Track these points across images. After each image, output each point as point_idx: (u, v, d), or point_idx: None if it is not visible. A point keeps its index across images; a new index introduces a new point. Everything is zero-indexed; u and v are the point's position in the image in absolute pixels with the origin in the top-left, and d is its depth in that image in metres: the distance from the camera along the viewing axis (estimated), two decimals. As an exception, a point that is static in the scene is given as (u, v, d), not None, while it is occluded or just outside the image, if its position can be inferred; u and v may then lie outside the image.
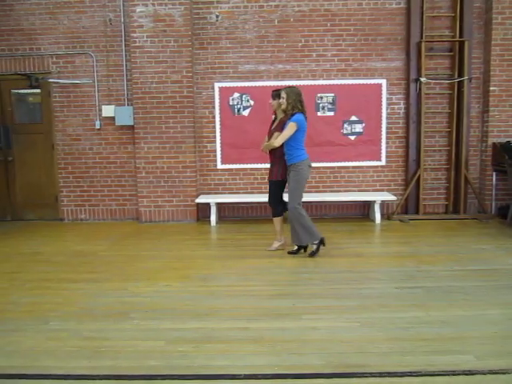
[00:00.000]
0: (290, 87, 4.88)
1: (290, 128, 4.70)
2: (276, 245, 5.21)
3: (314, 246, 4.89)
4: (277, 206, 5.09)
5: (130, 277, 4.34)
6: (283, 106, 4.79)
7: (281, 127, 4.86)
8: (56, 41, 7.06)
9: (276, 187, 5.05)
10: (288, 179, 4.90)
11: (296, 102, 4.72)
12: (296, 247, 5.02)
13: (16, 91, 7.35)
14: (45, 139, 7.32)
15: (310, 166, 4.93)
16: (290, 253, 5.03)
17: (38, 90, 7.18)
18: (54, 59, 7.09)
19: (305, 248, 5.03)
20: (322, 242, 4.92)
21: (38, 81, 6.97)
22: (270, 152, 5.01)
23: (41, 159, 7.35)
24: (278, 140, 4.75)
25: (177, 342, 2.90)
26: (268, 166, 7.06)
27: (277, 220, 5.13)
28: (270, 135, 5.00)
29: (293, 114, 4.74)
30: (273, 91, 5.03)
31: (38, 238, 6.23)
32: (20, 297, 3.86)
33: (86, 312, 3.47)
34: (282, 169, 4.95)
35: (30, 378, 2.51)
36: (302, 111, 4.77)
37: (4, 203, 7.50)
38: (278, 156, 4.96)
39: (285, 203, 5.02)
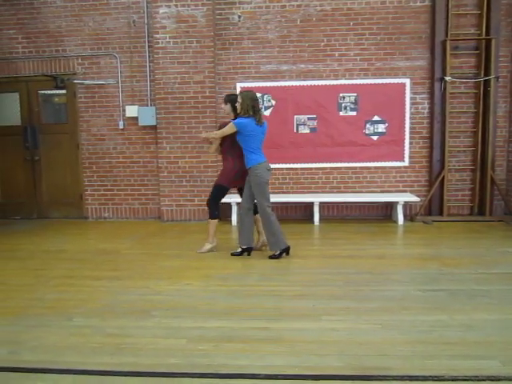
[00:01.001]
0: (246, 91, 4.85)
1: (228, 127, 4.76)
2: (208, 247, 5.20)
3: (278, 252, 4.87)
4: (214, 208, 5.09)
5: (151, 275, 4.39)
6: (238, 110, 4.78)
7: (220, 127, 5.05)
8: (81, 42, 7.20)
9: (216, 190, 5.05)
10: (250, 185, 4.86)
11: (249, 107, 4.66)
12: (240, 249, 5.04)
13: (42, 92, 7.53)
14: (70, 139, 7.47)
15: (268, 170, 4.86)
16: (232, 254, 5.04)
17: (64, 91, 7.35)
18: (80, 60, 7.24)
19: (249, 252, 5.02)
20: (286, 251, 4.89)
21: (63, 82, 7.13)
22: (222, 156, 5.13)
23: (66, 159, 7.51)
24: (214, 133, 5.03)
25: (197, 341, 2.91)
26: (288, 165, 7.17)
27: (212, 222, 5.12)
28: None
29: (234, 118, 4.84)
30: (225, 95, 5.06)
31: (62, 235, 6.36)
32: (45, 293, 3.94)
33: (108, 309, 3.53)
34: (227, 175, 4.99)
35: (54, 373, 2.56)
36: (254, 116, 4.69)
37: (31, 201, 7.68)
38: (225, 161, 5.07)
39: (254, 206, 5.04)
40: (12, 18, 7.25)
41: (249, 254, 5.01)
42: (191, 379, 2.47)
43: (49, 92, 7.53)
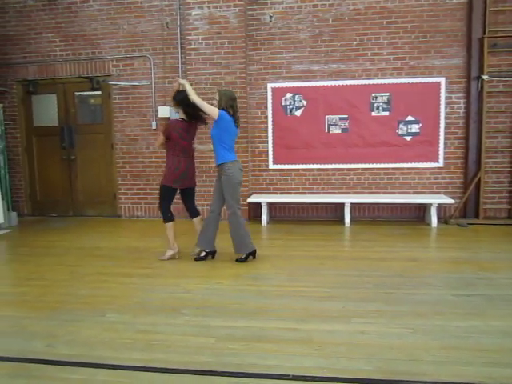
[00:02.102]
0: (225, 90, 4.75)
1: (213, 108, 4.51)
2: (169, 253, 4.97)
3: (244, 255, 4.79)
4: (164, 211, 4.89)
5: (182, 273, 4.45)
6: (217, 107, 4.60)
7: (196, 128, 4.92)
8: (116, 45, 7.36)
9: (161, 191, 4.88)
10: (221, 184, 4.73)
11: (227, 106, 4.52)
12: (244, 255, 4.82)
13: (79, 93, 7.74)
14: (105, 139, 7.66)
15: (241, 170, 4.75)
16: (238, 260, 4.81)
17: (99, 92, 7.54)
18: (115, 62, 7.41)
19: (213, 255, 4.95)
20: (253, 254, 4.82)
21: (99, 83, 7.33)
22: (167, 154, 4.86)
23: (101, 158, 7.69)
24: (195, 98, 4.50)
25: (227, 340, 2.93)
26: (319, 166, 7.12)
27: (168, 227, 4.91)
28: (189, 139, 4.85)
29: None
30: (177, 92, 4.75)
31: (96, 233, 6.52)
32: (79, 289, 4.06)
33: (139, 306, 3.60)
34: (170, 175, 4.79)
35: (87, 367, 2.64)
36: (233, 116, 4.57)
37: (67, 200, 7.92)
38: (168, 160, 4.84)
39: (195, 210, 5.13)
40: (51, 21, 7.50)
41: (213, 257, 4.96)
42: (220, 378, 2.49)
43: (85, 93, 7.75)
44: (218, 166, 4.72)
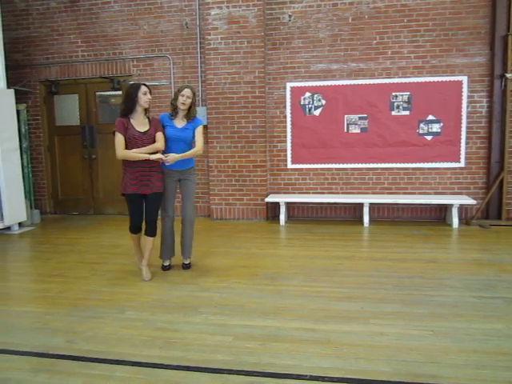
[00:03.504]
0: (189, 85, 4.36)
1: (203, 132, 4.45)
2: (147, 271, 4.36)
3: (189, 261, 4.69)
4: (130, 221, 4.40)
5: (200, 272, 4.48)
6: (185, 106, 4.24)
7: (156, 128, 4.20)
8: (137, 45, 7.45)
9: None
10: (186, 184, 4.49)
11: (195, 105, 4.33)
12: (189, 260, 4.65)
13: (100, 93, 7.85)
14: (125, 138, 7.73)
15: None
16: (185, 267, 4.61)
17: (120, 92, 7.63)
18: (135, 62, 7.49)
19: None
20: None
21: (119, 83, 7.42)
22: (133, 161, 4.16)
23: (121, 157, 7.77)
24: (202, 146, 4.40)
25: (244, 339, 2.95)
26: (338, 165, 7.06)
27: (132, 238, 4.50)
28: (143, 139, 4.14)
29: (195, 117, 4.37)
30: (145, 84, 4.18)
31: (117, 231, 6.61)
32: (100, 286, 4.12)
33: (158, 304, 3.63)
34: (125, 181, 4.26)
35: (107, 363, 2.68)
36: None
37: (88, 198, 8.05)
38: (124, 165, 4.27)
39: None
40: (72, 23, 7.62)
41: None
42: (237, 376, 2.50)
43: (106, 93, 7.86)
44: (185, 169, 4.41)
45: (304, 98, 7.02)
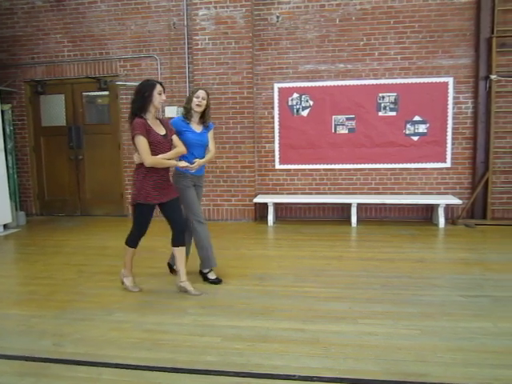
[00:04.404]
0: (203, 87, 4.20)
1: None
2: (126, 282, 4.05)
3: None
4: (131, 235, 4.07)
5: (188, 273, 4.43)
6: (200, 108, 4.02)
7: (171, 131, 3.86)
8: (124, 45, 7.40)
9: (134, 211, 3.93)
10: (200, 190, 4.28)
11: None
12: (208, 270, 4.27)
13: (86, 94, 7.79)
14: (112, 139, 7.69)
15: None
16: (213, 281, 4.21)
17: (107, 93, 7.58)
18: (122, 63, 7.44)
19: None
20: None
21: (106, 84, 7.37)
22: (156, 168, 3.73)
23: (108, 158, 7.73)
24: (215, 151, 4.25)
25: (233, 340, 2.94)
26: (326, 166, 7.09)
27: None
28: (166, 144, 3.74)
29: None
30: (161, 84, 3.75)
31: (104, 232, 6.55)
32: (87, 288, 4.08)
33: (146, 305, 3.61)
34: (141, 188, 3.74)
35: (94, 365, 2.65)
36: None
37: (74, 199, 7.97)
38: (138, 170, 3.79)
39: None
40: (58, 22, 7.54)
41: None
42: (226, 377, 2.49)
43: (92, 93, 7.79)
44: (201, 174, 4.26)
45: (292, 99, 7.04)
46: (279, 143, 7.16)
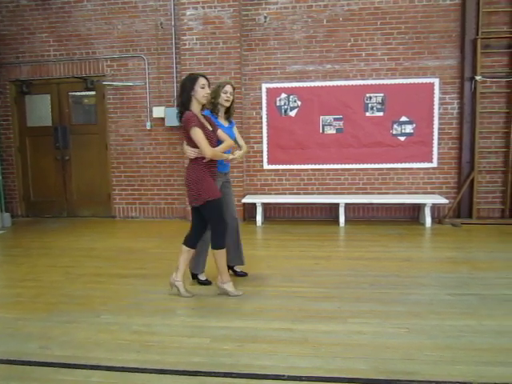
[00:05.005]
0: (230, 81, 4.12)
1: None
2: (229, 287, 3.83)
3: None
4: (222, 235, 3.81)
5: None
6: (229, 103, 3.97)
7: (215, 126, 3.80)
8: (110, 45, 7.34)
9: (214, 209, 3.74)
10: (228, 191, 4.17)
11: None
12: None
13: (73, 93, 7.71)
14: (99, 139, 7.63)
15: None
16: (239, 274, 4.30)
17: (93, 93, 7.52)
18: (109, 62, 7.38)
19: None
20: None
21: (93, 83, 7.31)
22: (213, 161, 3.68)
23: (95, 159, 7.67)
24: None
25: (222, 340, 2.93)
26: (314, 166, 7.12)
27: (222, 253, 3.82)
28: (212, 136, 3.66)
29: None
30: (205, 76, 3.66)
31: (91, 234, 6.50)
32: (74, 290, 4.04)
33: (135, 307, 3.58)
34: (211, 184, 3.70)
35: (82, 368, 2.62)
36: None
37: (61, 200, 7.88)
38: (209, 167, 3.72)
39: None
40: (44, 21, 7.46)
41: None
42: (215, 378, 2.48)
43: (79, 93, 7.72)
44: (228, 171, 4.23)
45: (280, 99, 7.05)
46: (267, 143, 7.16)
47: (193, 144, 3.56)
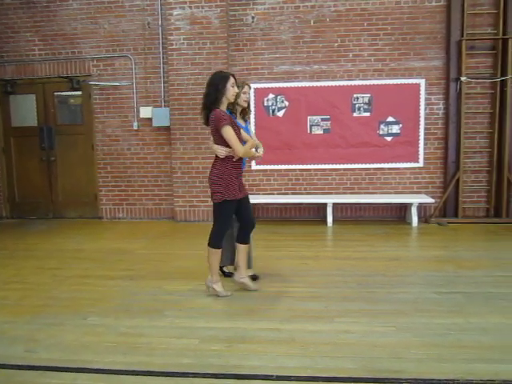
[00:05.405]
0: (246, 82, 4.09)
1: None
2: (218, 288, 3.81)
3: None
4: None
5: (165, 275, 4.42)
6: (247, 104, 4.02)
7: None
8: (97, 44, 7.28)
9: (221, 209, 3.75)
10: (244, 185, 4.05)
11: None
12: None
13: (58, 93, 7.63)
14: (85, 140, 7.56)
15: None
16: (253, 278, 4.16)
17: (79, 93, 7.44)
18: (95, 62, 7.32)
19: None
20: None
21: (79, 83, 7.23)
22: (240, 160, 3.71)
23: (81, 159, 7.59)
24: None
25: (210, 341, 2.92)
26: (301, 166, 7.13)
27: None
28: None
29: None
30: (233, 75, 3.66)
31: (77, 235, 6.43)
32: (61, 292, 3.99)
33: (122, 308, 3.56)
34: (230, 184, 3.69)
35: (68, 371, 2.59)
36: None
37: (46, 201, 7.79)
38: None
39: None
40: (29, 20, 7.37)
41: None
42: (203, 379, 2.47)
43: (64, 93, 7.63)
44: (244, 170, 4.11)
45: (267, 100, 7.06)
46: (255, 144, 7.15)
47: (221, 142, 3.57)
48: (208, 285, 3.81)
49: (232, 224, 3.88)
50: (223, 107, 3.61)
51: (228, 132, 3.49)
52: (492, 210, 6.81)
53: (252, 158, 3.90)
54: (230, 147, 3.54)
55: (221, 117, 3.49)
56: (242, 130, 3.77)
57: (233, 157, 3.59)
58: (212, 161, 3.73)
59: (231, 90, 3.57)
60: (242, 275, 3.87)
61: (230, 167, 3.63)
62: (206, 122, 3.65)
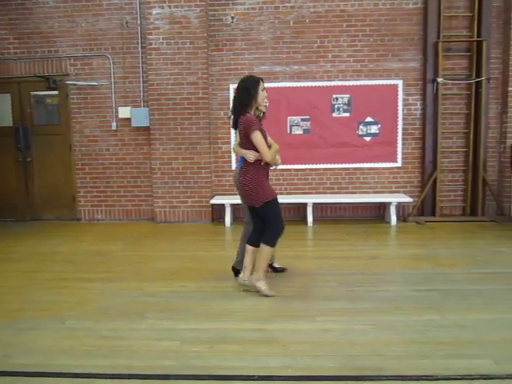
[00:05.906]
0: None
1: None
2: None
3: None
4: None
5: (145, 277, 4.38)
6: (265, 108, 4.05)
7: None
8: (74, 43, 7.16)
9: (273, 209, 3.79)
10: None
11: None
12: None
13: (35, 93, 7.48)
14: (62, 140, 7.43)
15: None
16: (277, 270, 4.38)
17: (56, 92, 7.31)
18: (72, 61, 7.20)
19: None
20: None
21: (55, 83, 7.10)
22: (268, 163, 3.74)
23: (58, 160, 7.46)
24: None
25: (191, 343, 2.91)
26: (281, 166, 7.13)
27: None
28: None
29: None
30: (261, 79, 3.73)
31: (55, 237, 6.32)
32: (38, 295, 3.92)
33: (102, 311, 3.51)
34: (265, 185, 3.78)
35: (48, 376, 2.55)
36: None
37: (23, 203, 7.63)
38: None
39: None
40: (3, 18, 7.20)
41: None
42: (185, 381, 2.47)
43: (41, 93, 7.48)
44: None
45: (248, 100, 7.04)
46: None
47: (250, 146, 3.59)
48: (253, 284, 3.77)
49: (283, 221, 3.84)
50: (252, 112, 3.64)
51: (258, 137, 3.53)
52: (468, 209, 6.95)
53: (275, 164, 3.87)
54: (258, 152, 3.58)
55: (252, 122, 3.52)
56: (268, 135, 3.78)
57: (261, 160, 3.63)
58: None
59: (261, 95, 3.63)
60: (246, 277, 3.84)
61: (262, 170, 3.69)
62: (235, 126, 3.70)
